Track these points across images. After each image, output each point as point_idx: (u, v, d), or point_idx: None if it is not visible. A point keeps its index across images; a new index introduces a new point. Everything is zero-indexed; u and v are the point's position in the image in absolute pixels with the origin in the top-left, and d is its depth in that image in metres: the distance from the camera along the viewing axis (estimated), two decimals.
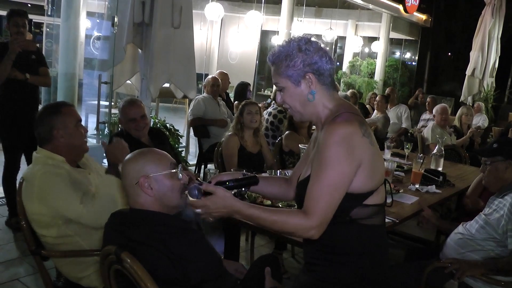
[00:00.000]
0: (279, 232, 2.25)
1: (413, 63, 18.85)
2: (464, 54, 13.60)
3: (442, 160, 5.09)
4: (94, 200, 2.68)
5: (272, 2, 12.51)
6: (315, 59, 2.09)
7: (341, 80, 15.31)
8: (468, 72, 12.88)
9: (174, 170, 2.21)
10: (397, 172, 4.69)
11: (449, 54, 19.42)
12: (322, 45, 2.15)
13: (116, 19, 5.04)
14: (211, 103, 6.74)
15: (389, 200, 3.64)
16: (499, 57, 13.18)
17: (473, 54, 12.83)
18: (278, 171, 3.77)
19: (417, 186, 4.29)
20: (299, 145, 3.72)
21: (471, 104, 12.08)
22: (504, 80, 17.28)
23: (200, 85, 7.64)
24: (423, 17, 15.78)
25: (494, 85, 13.48)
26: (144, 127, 4.09)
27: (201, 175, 6.15)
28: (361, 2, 12.73)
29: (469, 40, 13.24)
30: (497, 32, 12.94)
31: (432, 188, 4.27)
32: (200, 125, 6.65)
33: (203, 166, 6.59)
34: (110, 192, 2.74)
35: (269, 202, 3.24)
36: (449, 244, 3.40)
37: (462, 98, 12.90)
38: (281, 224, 1.96)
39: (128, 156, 2.26)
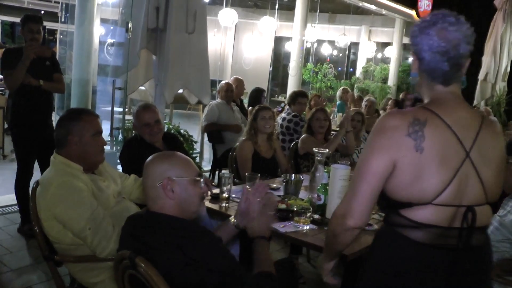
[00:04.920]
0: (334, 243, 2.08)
1: None
2: (476, 58, 13.54)
3: None
4: (100, 227, 2.62)
5: (285, 9, 12.52)
6: (417, 41, 1.91)
7: (355, 86, 15.26)
8: (481, 76, 12.86)
9: (198, 178, 2.22)
10: None
11: None
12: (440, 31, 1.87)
13: (130, 25, 5.05)
14: (225, 108, 6.72)
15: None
16: (511, 61, 13.17)
17: (486, 59, 12.82)
18: (293, 175, 3.73)
19: None
20: (314, 149, 3.67)
21: (482, 109, 12.02)
22: None
23: (214, 91, 7.62)
24: None
25: (507, 89, 13.45)
26: (159, 133, 4.07)
27: (216, 180, 6.14)
28: (375, 8, 12.74)
29: (481, 45, 13.20)
30: (509, 37, 12.98)
31: None
32: (214, 131, 6.63)
33: (217, 172, 6.57)
34: (118, 223, 2.56)
35: (284, 206, 3.21)
36: None
37: (475, 103, 12.89)
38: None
39: (153, 156, 2.25)
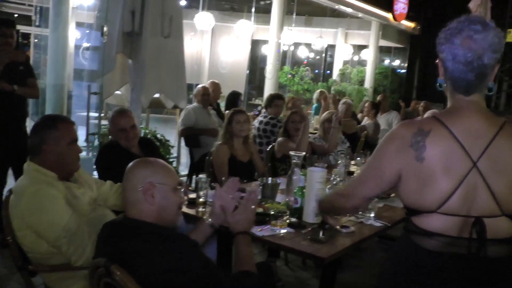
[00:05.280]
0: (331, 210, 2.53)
1: (403, 70, 18.94)
2: None
3: None
4: (75, 235, 2.57)
5: (262, 12, 12.55)
6: (442, 49, 1.90)
7: (332, 88, 15.32)
8: None
9: (179, 187, 2.23)
10: None
11: (436, 62, 19.51)
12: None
13: (105, 29, 5.00)
14: (201, 112, 6.71)
15: (380, 204, 3.64)
16: None
17: None
18: (269, 178, 3.73)
19: None
20: (290, 152, 3.68)
21: None
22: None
23: (190, 95, 7.60)
24: (412, 25, 15.86)
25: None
26: (134, 138, 4.04)
27: (193, 184, 6.11)
28: (351, 11, 12.80)
29: None
30: None
31: None
32: (191, 135, 6.62)
33: (194, 176, 6.53)
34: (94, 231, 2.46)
35: (261, 210, 3.21)
36: None
37: None
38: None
39: (136, 161, 2.24)
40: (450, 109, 1.94)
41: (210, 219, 2.46)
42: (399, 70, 19.18)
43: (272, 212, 3.09)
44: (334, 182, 3.38)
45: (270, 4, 11.18)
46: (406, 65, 18.45)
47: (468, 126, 1.85)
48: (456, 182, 1.81)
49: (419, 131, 1.85)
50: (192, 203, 3.37)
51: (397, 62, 19.61)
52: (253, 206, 2.39)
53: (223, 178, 3.55)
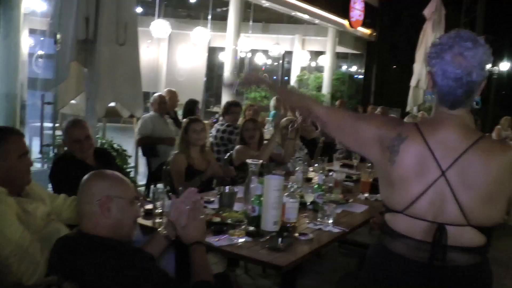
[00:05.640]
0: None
1: (360, 76, 19.18)
2: (408, 66, 13.99)
3: None
4: (27, 253, 2.47)
5: (219, 19, 12.54)
6: (433, 63, 1.93)
7: None
8: (413, 83, 13.30)
9: (135, 201, 2.22)
10: (346, 182, 4.78)
11: (394, 66, 19.90)
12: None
13: (58, 36, 4.90)
14: (158, 121, 6.65)
15: (338, 210, 3.66)
16: None
17: (417, 67, 13.26)
18: (227, 187, 3.70)
19: (366, 195, 4.42)
20: (247, 160, 3.66)
21: (416, 114, 12.44)
22: None
23: (147, 104, 7.52)
24: (368, 31, 16.08)
25: None
26: (89, 149, 3.96)
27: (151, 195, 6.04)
28: (307, 17, 12.88)
29: (412, 53, 13.65)
30: None
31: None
32: (148, 144, 6.55)
33: (152, 186, 6.47)
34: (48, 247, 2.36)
35: (218, 219, 3.18)
36: None
37: (408, 108, 13.32)
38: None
39: (93, 173, 2.20)
40: (431, 120, 2.02)
41: (165, 231, 2.42)
42: (356, 76, 19.43)
43: (230, 221, 3.07)
44: (292, 190, 3.37)
45: (227, 11, 11.18)
46: (363, 71, 18.69)
47: (443, 137, 1.92)
48: (424, 187, 1.89)
49: (397, 136, 1.94)
50: (149, 214, 3.32)
51: (354, 68, 19.88)
52: (201, 216, 2.36)
53: (180, 188, 3.50)
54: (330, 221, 3.42)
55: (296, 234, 3.11)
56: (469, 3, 17.45)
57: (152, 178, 6.49)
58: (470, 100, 1.94)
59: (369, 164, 5.03)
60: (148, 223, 3.25)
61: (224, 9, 12.30)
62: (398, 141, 1.93)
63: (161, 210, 3.28)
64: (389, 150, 1.95)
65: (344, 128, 2.15)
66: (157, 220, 3.25)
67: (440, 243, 1.86)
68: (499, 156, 1.89)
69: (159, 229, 2.44)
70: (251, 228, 3.11)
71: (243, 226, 3.04)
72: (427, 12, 13.40)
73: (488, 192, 1.87)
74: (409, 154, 1.91)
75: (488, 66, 1.90)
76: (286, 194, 3.30)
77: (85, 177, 2.17)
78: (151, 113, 6.77)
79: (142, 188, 6.66)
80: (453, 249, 1.88)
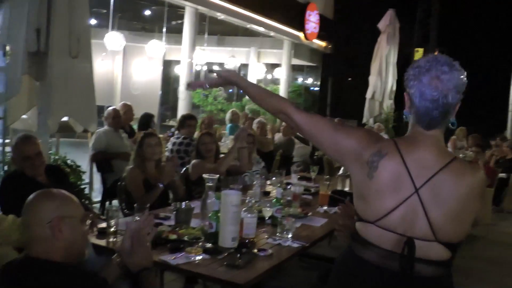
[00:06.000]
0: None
1: (316, 88, 19.33)
2: (363, 78, 14.19)
3: (348, 181, 5.20)
4: None
5: (174, 32, 12.46)
6: (411, 84, 2.01)
7: (246, 107, 15.39)
8: (368, 95, 13.54)
9: (85, 218, 2.13)
10: (304, 195, 4.74)
11: (349, 79, 20.17)
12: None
13: (8, 48, 4.77)
14: (113, 136, 6.53)
15: (297, 224, 3.63)
16: (397, 80, 13.96)
17: (372, 79, 13.49)
18: (183, 203, 3.61)
19: (325, 208, 4.38)
20: (204, 175, 3.60)
21: (372, 125, 12.61)
22: (403, 101, 18.16)
23: (102, 118, 7.38)
24: (323, 44, 16.21)
25: (394, 106, 14.24)
26: (40, 165, 3.84)
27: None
28: (263, 30, 12.91)
29: (367, 65, 13.86)
30: (393, 58, 13.74)
31: None
32: (103, 160, 6.41)
33: (107, 203, 6.32)
34: None
35: (175, 236, 3.11)
36: None
37: (364, 120, 13.52)
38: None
39: (39, 193, 2.08)
40: (408, 138, 2.07)
41: (118, 258, 2.28)
42: (312, 88, 19.56)
43: (187, 239, 3.00)
44: (250, 204, 3.33)
45: (182, 24, 11.11)
46: (319, 83, 18.85)
47: (419, 156, 1.99)
48: (397, 202, 1.96)
49: (377, 152, 1.99)
50: (103, 233, 3.21)
51: (310, 80, 20.01)
52: (148, 244, 2.24)
53: (134, 205, 3.39)
54: (290, 235, 3.39)
55: (255, 250, 3.07)
56: (423, 16, 17.83)
57: (108, 194, 6.34)
58: (446, 121, 2.03)
59: (327, 177, 5.05)
60: (102, 242, 3.14)
61: (179, 22, 12.24)
62: (378, 157, 1.98)
63: (115, 229, 3.17)
64: (368, 166, 1.99)
65: (322, 137, 2.15)
66: (111, 239, 3.15)
67: (409, 255, 1.93)
68: (469, 177, 1.98)
69: (114, 256, 2.32)
70: (209, 245, 3.04)
71: (200, 243, 2.97)
72: (381, 25, 13.67)
73: (457, 210, 1.95)
74: (387, 170, 1.97)
75: (463, 89, 1.99)
76: (244, 209, 3.25)
77: (31, 198, 2.05)
78: (106, 127, 6.64)
79: (97, 205, 6.49)
80: (420, 261, 1.95)
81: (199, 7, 10.53)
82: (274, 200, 3.90)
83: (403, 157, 1.98)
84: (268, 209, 3.76)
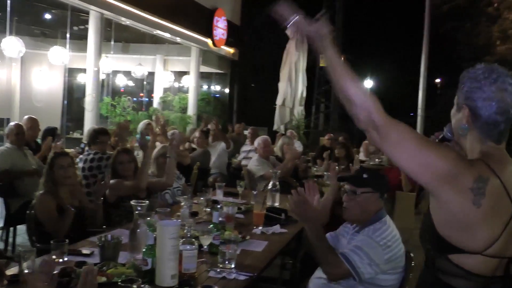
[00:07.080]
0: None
1: (224, 96, 19.15)
2: (271, 85, 14.13)
3: (278, 195, 4.92)
4: None
5: (77, 38, 11.85)
6: (475, 97, 1.93)
7: (153, 117, 14.84)
8: (279, 102, 13.50)
9: None
10: (236, 215, 4.24)
11: (253, 85, 20.29)
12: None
13: None
14: (16, 154, 5.90)
15: (238, 252, 3.25)
16: (306, 87, 14.04)
17: (282, 85, 13.44)
18: (109, 235, 3.10)
19: (261, 228, 4.01)
20: (132, 202, 3.13)
21: (283, 132, 12.56)
22: (314, 107, 18.43)
23: (1, 132, 6.71)
24: (231, 50, 16.03)
25: (304, 112, 14.33)
26: None
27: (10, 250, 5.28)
28: (169, 36, 12.57)
29: (276, 72, 13.81)
30: (302, 64, 13.79)
31: (277, 228, 4.05)
32: (5, 184, 5.74)
33: (12, 229, 5.67)
34: None
35: (104, 279, 2.64)
36: None
37: (275, 127, 13.48)
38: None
39: None
40: (490, 156, 1.96)
41: None
42: (220, 96, 19.39)
43: (119, 282, 2.54)
44: (189, 235, 2.93)
45: (86, 30, 10.55)
46: (227, 90, 18.69)
47: (509, 174, 1.93)
48: (502, 227, 1.90)
49: (480, 178, 1.86)
50: (15, 282, 2.60)
51: (218, 88, 19.83)
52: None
53: (51, 242, 2.89)
54: (233, 265, 3.00)
55: None
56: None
57: (12, 220, 5.71)
58: (508, 133, 2.01)
59: (255, 192, 4.73)
60: None
61: (82, 27, 11.65)
62: (483, 183, 1.86)
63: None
64: (473, 193, 1.84)
65: (404, 146, 1.91)
66: None
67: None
68: None
69: None
70: (146, 286, 2.61)
71: (135, 286, 2.53)
72: (289, 31, 13.61)
73: None
74: (493, 195, 1.87)
75: None
76: (182, 240, 2.83)
77: None
78: (7, 145, 5.98)
79: None
80: None
81: (105, 12, 10.03)
82: (212, 225, 3.46)
83: (501, 179, 1.90)
84: (205, 236, 3.32)
